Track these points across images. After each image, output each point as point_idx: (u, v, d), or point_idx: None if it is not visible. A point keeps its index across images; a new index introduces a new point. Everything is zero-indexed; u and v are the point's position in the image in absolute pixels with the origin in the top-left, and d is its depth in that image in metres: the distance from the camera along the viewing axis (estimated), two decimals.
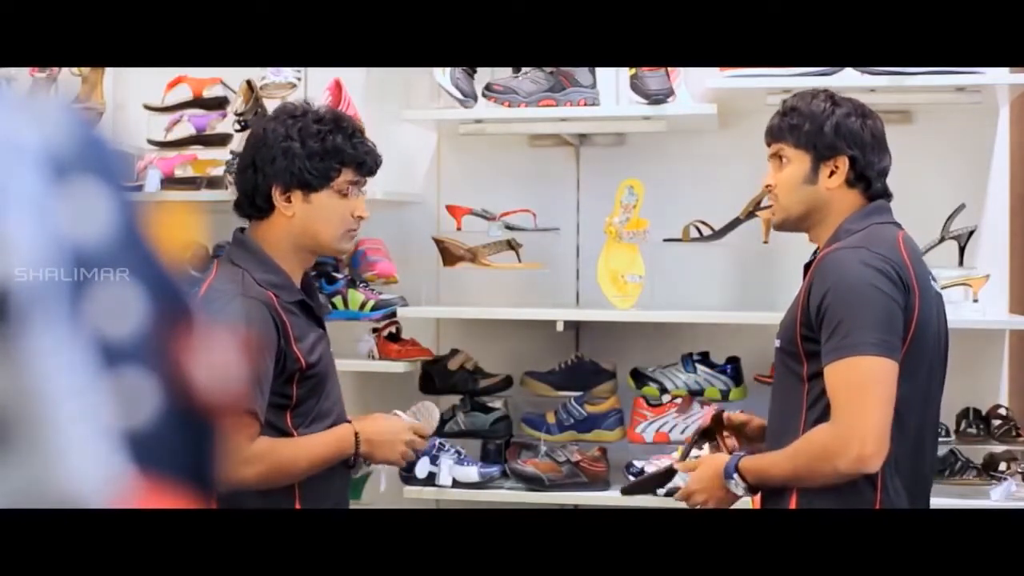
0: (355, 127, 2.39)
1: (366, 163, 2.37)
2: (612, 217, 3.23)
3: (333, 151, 2.31)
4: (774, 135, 2.39)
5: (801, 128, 2.33)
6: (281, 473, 2.26)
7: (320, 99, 3.22)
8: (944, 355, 2.34)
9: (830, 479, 2.17)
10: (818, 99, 2.35)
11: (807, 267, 2.38)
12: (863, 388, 2.13)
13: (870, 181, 2.33)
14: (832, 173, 2.32)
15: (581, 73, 3.20)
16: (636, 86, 3.13)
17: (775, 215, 2.45)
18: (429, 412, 2.65)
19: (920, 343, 2.21)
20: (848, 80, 2.99)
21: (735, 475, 2.29)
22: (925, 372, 2.24)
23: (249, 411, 2.16)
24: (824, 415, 2.20)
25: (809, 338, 2.22)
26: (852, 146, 2.31)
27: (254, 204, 2.35)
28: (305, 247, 2.37)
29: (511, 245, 3.39)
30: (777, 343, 2.36)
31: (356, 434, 2.35)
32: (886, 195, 2.38)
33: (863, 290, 2.17)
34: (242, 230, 2.41)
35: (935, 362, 2.29)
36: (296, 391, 2.29)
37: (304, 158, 2.29)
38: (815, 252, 2.39)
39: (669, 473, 2.77)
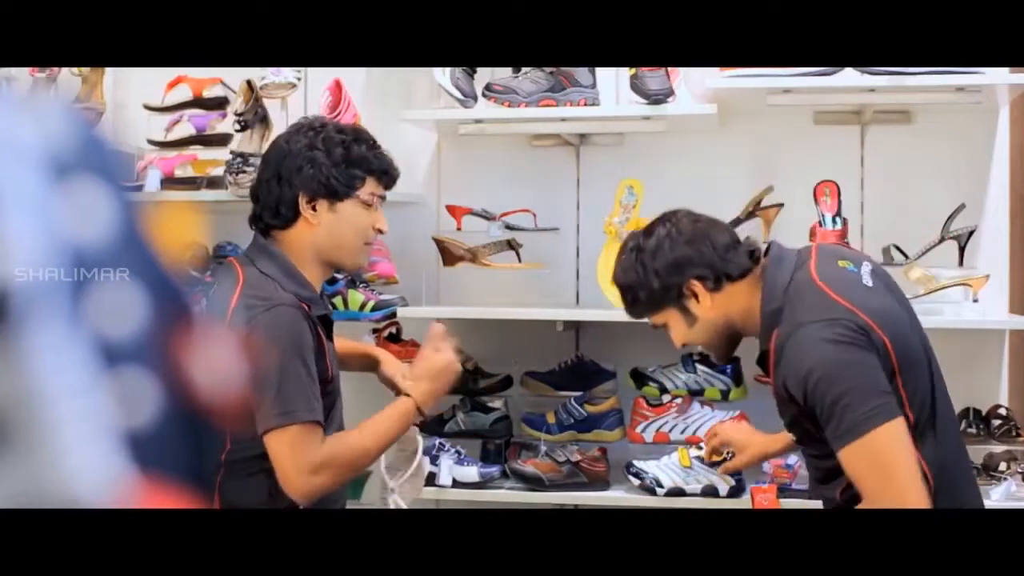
0: (375, 139, 2.42)
1: (388, 173, 2.40)
2: (612, 217, 3.23)
3: (358, 160, 2.34)
4: (639, 316, 2.33)
5: (640, 301, 2.26)
6: (354, 467, 2.30)
7: (320, 99, 3.23)
8: (926, 346, 2.25)
9: None
10: (628, 257, 2.25)
11: (762, 361, 2.28)
12: (883, 464, 2.05)
13: (723, 275, 2.22)
14: (696, 299, 2.22)
15: (581, 73, 3.20)
16: (636, 86, 3.13)
17: (713, 355, 2.42)
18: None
19: (905, 356, 2.14)
20: (848, 80, 2.99)
21: None
22: (925, 376, 2.20)
23: (315, 421, 2.19)
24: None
25: (812, 418, 2.13)
26: (679, 273, 2.21)
27: (278, 213, 2.33)
28: (327, 258, 2.36)
29: (511, 245, 3.39)
30: (793, 437, 2.35)
31: (418, 407, 2.35)
32: (752, 259, 2.25)
33: (836, 370, 2.07)
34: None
35: (925, 360, 2.22)
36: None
37: (331, 166, 2.30)
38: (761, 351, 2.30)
39: None
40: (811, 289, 2.16)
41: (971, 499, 2.31)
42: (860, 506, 2.10)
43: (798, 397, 2.11)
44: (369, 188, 2.36)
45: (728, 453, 2.81)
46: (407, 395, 2.38)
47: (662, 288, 2.22)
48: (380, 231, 2.40)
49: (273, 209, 2.33)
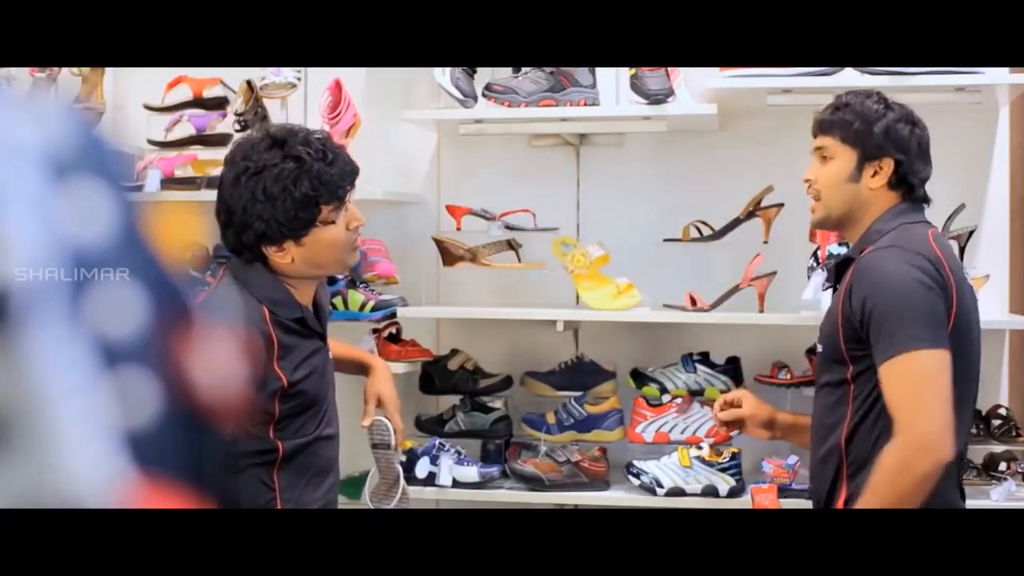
0: (319, 150, 2.25)
1: (341, 190, 2.26)
2: (571, 266, 3.25)
3: (304, 201, 2.21)
4: (823, 128, 2.41)
5: (852, 125, 2.36)
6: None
7: (320, 99, 3.23)
8: (978, 348, 2.38)
9: (921, 487, 2.14)
10: (871, 100, 2.38)
11: (837, 270, 2.43)
12: (921, 383, 2.16)
13: (912, 186, 2.37)
14: (875, 173, 2.35)
15: (581, 73, 3.20)
16: (636, 86, 3.13)
17: (816, 212, 2.46)
18: (382, 429, 2.64)
19: (960, 334, 2.25)
20: (848, 80, 2.98)
21: None
22: (965, 363, 2.28)
23: None
24: (870, 412, 2.25)
25: (853, 339, 2.25)
26: (899, 150, 2.35)
27: (244, 257, 2.30)
28: (312, 275, 2.34)
29: (511, 245, 3.39)
30: (819, 348, 2.40)
31: None
32: (925, 201, 2.42)
33: (905, 287, 2.20)
34: None
35: (973, 354, 2.33)
36: (279, 407, 2.26)
37: (280, 214, 2.21)
38: (831, 254, 2.42)
39: None
40: (921, 235, 2.30)
41: (952, 498, 2.33)
42: (887, 447, 2.16)
43: (857, 308, 2.22)
44: (327, 210, 2.25)
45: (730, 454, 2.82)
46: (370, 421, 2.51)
47: (879, 137, 2.34)
48: (358, 226, 2.32)
49: (239, 254, 2.30)
